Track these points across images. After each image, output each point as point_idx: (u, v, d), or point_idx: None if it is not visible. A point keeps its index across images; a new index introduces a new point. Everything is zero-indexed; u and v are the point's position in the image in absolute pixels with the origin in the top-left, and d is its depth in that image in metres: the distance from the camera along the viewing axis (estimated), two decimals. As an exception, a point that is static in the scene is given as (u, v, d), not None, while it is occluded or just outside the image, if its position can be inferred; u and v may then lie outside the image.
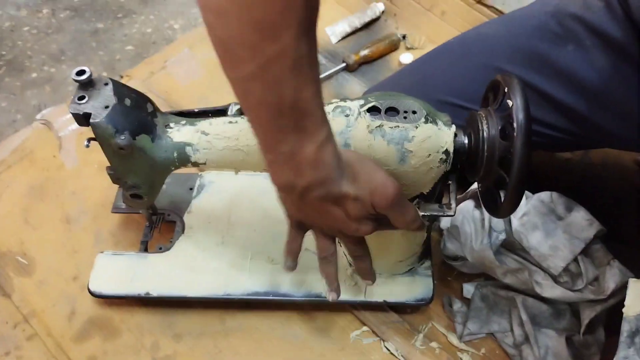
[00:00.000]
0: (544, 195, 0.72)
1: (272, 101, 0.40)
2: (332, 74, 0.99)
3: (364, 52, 1.00)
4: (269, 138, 0.43)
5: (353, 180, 0.47)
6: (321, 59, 1.03)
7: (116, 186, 0.78)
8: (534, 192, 0.72)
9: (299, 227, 0.56)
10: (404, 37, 1.04)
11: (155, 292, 0.69)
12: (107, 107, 0.54)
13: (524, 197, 0.71)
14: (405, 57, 1.00)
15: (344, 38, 1.05)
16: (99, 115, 0.53)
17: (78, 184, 0.85)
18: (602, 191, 0.83)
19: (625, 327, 0.49)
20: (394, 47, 1.02)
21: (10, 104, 1.05)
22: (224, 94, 0.87)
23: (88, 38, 1.09)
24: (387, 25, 1.06)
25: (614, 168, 0.85)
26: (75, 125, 0.91)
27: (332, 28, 1.06)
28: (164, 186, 0.71)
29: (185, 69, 1.02)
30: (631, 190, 0.83)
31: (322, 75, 0.98)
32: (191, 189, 0.78)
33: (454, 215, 0.55)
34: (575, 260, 0.68)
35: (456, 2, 1.02)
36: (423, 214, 0.55)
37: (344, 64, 0.99)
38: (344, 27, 1.05)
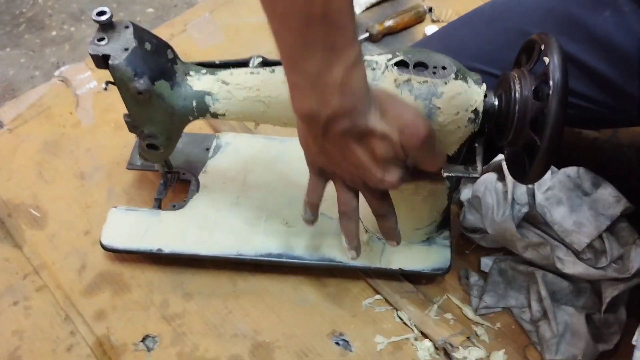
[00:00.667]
0: (571, 170, 0.70)
1: (300, 9, 0.37)
2: (354, 43, 0.96)
3: (389, 23, 0.97)
4: (294, 54, 0.40)
5: (382, 115, 0.45)
6: (344, 28, 1.00)
7: (131, 145, 0.78)
8: (559, 169, 0.70)
9: (320, 174, 0.54)
10: (430, 9, 1.01)
11: (167, 248, 0.68)
12: (126, 49, 0.52)
13: (549, 172, 0.69)
14: (431, 29, 0.97)
15: (368, 8, 1.03)
16: (119, 57, 0.52)
17: (93, 142, 0.84)
18: (629, 172, 0.80)
19: None
20: (419, 19, 1.00)
21: (28, 60, 1.05)
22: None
23: (109, -1, 1.08)
24: (413, -3, 1.03)
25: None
26: (93, 83, 0.92)
27: (356, -3, 1.03)
28: (180, 145, 0.70)
29: (204, 33, 1.01)
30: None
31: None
32: (207, 149, 0.77)
33: (479, 176, 0.53)
34: (600, 237, 0.66)
35: (486, -25, 0.99)
36: (448, 174, 0.53)
37: (367, 34, 0.97)
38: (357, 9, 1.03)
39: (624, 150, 0.82)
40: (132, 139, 0.77)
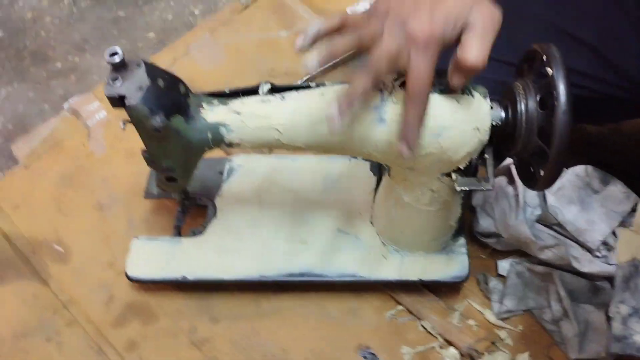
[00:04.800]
0: (579, 169, 0.71)
1: None
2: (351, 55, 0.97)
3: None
4: None
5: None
6: (344, 40, 1.01)
7: (145, 172, 0.79)
8: (567, 167, 0.71)
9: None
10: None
11: (191, 275, 0.69)
12: (141, 88, 0.54)
13: (558, 172, 0.70)
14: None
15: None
16: (134, 97, 0.53)
17: (108, 172, 0.85)
18: (635, 165, 0.81)
19: (619, 273, 0.51)
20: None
21: (37, 94, 1.06)
22: (247, 78, 0.88)
23: (110, 26, 1.09)
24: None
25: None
26: (102, 113, 0.93)
27: (353, 8, 1.04)
28: (195, 171, 0.72)
29: (207, 54, 1.02)
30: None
31: (343, 56, 0.97)
32: (221, 172, 0.79)
33: (492, 189, 0.54)
34: (613, 233, 0.67)
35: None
36: (461, 188, 0.54)
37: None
38: (365, 7, 1.04)
39: (629, 143, 0.83)
40: (145, 166, 0.78)
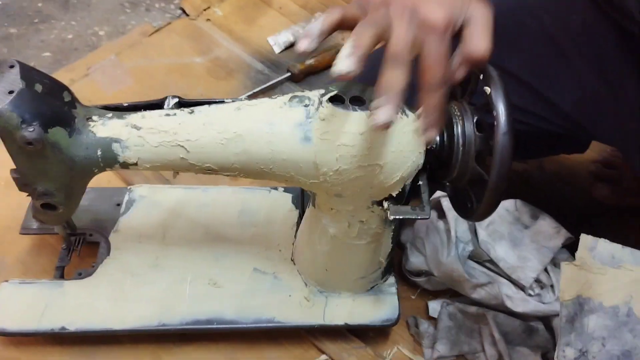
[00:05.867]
0: (508, 203, 0.68)
1: None
2: (276, 83, 0.92)
3: (310, 62, 0.94)
4: None
5: None
6: (264, 68, 0.96)
7: (25, 206, 0.66)
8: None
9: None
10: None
11: (72, 326, 0.57)
12: (11, 92, 0.44)
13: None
14: (353, 68, 0.95)
15: (287, 48, 1.00)
16: (1, 102, 0.43)
17: (-22, 204, 0.72)
18: (561, 202, 0.80)
19: (564, 312, 0.47)
20: (340, 57, 0.97)
21: None
22: (156, 102, 0.79)
23: (-3, 43, 0.96)
24: (332, 36, 1.01)
25: (570, 179, 0.83)
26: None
27: (274, 38, 1.00)
28: (85, 202, 0.61)
29: (110, 77, 0.93)
30: (590, 201, 0.81)
31: (265, 85, 0.91)
32: (118, 204, 0.68)
33: (428, 217, 0.49)
34: (545, 270, 0.64)
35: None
36: (394, 217, 0.48)
37: (288, 74, 0.93)
38: (287, 37, 1.00)
39: (553, 180, 0.83)
40: (26, 198, 0.66)
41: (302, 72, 0.94)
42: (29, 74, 0.45)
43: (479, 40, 0.45)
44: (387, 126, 0.40)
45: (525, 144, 0.67)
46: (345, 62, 0.39)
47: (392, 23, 0.43)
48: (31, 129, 0.43)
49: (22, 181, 0.48)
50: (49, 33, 1.01)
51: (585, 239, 0.47)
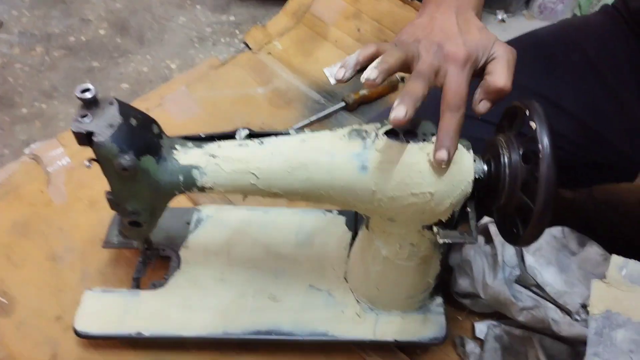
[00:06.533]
0: (556, 230, 0.71)
1: None
2: (331, 112, 0.98)
3: (363, 92, 1.00)
4: None
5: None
6: (320, 98, 1.02)
7: (106, 222, 0.74)
8: (544, 227, 0.70)
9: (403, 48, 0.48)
10: (402, 79, 1.04)
11: (147, 331, 0.64)
12: (111, 126, 0.51)
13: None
14: (404, 98, 1.00)
15: (342, 79, 1.05)
16: (103, 134, 0.50)
17: (66, 221, 0.80)
18: (610, 231, 0.81)
19: (592, 325, 0.49)
20: (392, 88, 1.03)
21: (-2, 138, 1.02)
22: (221, 130, 0.86)
23: (82, 75, 1.07)
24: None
25: (619, 206, 0.84)
26: (65, 160, 0.89)
27: (330, 69, 1.06)
28: (159, 220, 0.68)
29: (181, 107, 1.01)
30: (638, 228, 0.81)
31: (321, 114, 0.98)
32: (188, 223, 0.75)
33: (475, 242, 0.52)
34: (592, 297, 0.66)
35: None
36: (444, 240, 0.52)
37: (343, 103, 0.99)
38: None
39: (602, 208, 0.84)
40: (106, 216, 0.74)
41: (355, 102, 0.99)
42: (125, 109, 0.53)
43: (501, 75, 0.49)
44: (447, 163, 0.47)
45: (574, 173, 0.69)
46: (373, 74, 0.44)
47: (420, 53, 0.49)
48: (127, 157, 0.50)
49: (115, 202, 0.56)
50: (126, 66, 1.12)
51: (615, 259, 0.50)
